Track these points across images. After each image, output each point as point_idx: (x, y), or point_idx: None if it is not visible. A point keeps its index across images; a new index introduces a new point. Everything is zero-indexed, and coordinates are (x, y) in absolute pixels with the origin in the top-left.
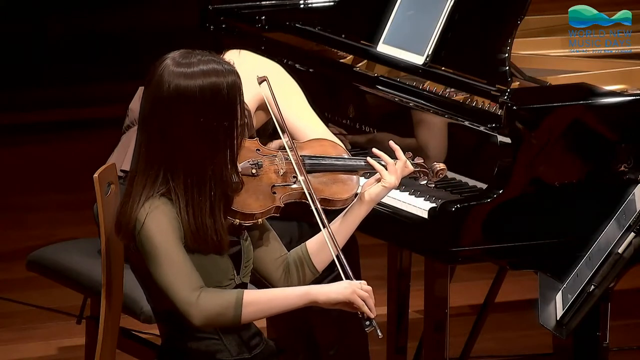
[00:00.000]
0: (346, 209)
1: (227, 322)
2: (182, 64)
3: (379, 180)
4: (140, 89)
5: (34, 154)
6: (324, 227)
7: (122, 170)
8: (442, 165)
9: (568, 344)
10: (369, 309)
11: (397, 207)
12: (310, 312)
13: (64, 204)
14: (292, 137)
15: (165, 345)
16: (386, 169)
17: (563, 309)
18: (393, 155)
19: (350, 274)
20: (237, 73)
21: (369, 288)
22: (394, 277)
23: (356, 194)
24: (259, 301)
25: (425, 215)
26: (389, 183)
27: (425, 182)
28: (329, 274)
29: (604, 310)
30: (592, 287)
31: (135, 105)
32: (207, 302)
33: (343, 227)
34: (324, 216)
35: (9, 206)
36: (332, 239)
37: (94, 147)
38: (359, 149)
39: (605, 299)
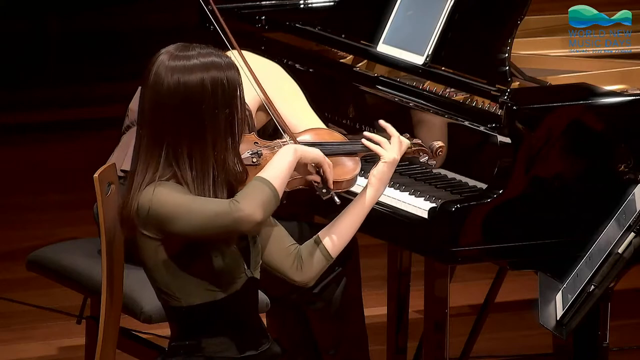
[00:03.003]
0: (357, 197)
1: (273, 201)
2: (181, 57)
3: None
4: (140, 89)
5: (34, 154)
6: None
7: (122, 170)
8: (440, 143)
9: (568, 344)
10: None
11: (397, 207)
12: (310, 312)
13: (64, 204)
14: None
15: (175, 341)
16: (382, 147)
17: (563, 309)
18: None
19: None
20: (235, 66)
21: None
22: (394, 277)
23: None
24: (274, 173)
25: (425, 215)
26: (389, 158)
27: (426, 159)
28: (330, 273)
29: (604, 310)
30: (592, 287)
31: (135, 105)
32: (249, 198)
33: (355, 210)
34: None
35: (9, 206)
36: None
37: (94, 147)
38: None
39: (605, 299)
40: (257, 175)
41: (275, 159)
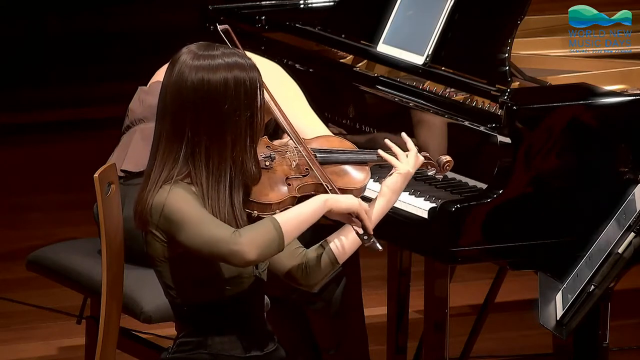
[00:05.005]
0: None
1: (274, 246)
2: (205, 56)
3: None
4: (140, 89)
5: (34, 154)
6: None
7: (122, 170)
8: (447, 158)
9: (568, 344)
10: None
11: (397, 207)
12: (310, 312)
13: (64, 204)
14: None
15: (181, 337)
16: (398, 159)
17: (563, 309)
18: (404, 148)
19: None
20: (257, 68)
21: (367, 207)
22: (394, 277)
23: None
24: (291, 218)
25: (425, 215)
26: (404, 170)
27: (433, 172)
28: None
29: (604, 310)
30: (592, 287)
31: (135, 105)
32: (251, 235)
33: None
34: (335, 188)
35: (9, 206)
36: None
37: (94, 147)
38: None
39: (605, 299)
40: (275, 215)
41: (302, 205)
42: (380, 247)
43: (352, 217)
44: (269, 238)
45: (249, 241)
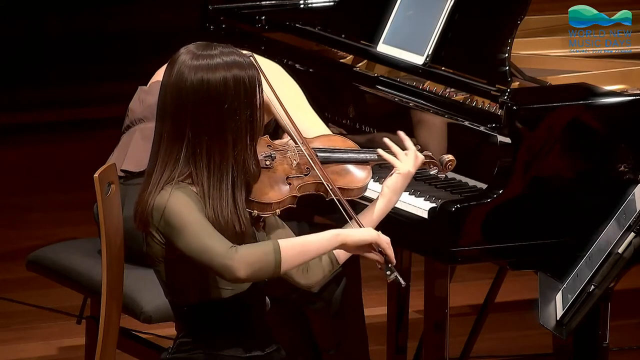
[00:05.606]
0: (368, 207)
1: (269, 269)
2: (204, 56)
3: None
4: (140, 89)
5: (34, 154)
6: (341, 206)
7: (122, 170)
8: (450, 157)
9: (568, 344)
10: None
11: (397, 207)
12: (310, 312)
13: (64, 204)
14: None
15: (181, 337)
16: (397, 159)
17: (563, 309)
18: (403, 147)
19: None
20: (255, 66)
21: (388, 238)
22: None
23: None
24: (295, 245)
25: (425, 215)
26: (404, 170)
27: (435, 172)
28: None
29: (604, 310)
30: (592, 287)
31: (135, 105)
32: (247, 252)
33: (365, 220)
34: (341, 196)
35: (10, 206)
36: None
37: (94, 147)
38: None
39: (605, 299)
40: (280, 240)
41: (311, 235)
42: (403, 282)
43: (370, 249)
44: (264, 260)
45: (243, 259)
